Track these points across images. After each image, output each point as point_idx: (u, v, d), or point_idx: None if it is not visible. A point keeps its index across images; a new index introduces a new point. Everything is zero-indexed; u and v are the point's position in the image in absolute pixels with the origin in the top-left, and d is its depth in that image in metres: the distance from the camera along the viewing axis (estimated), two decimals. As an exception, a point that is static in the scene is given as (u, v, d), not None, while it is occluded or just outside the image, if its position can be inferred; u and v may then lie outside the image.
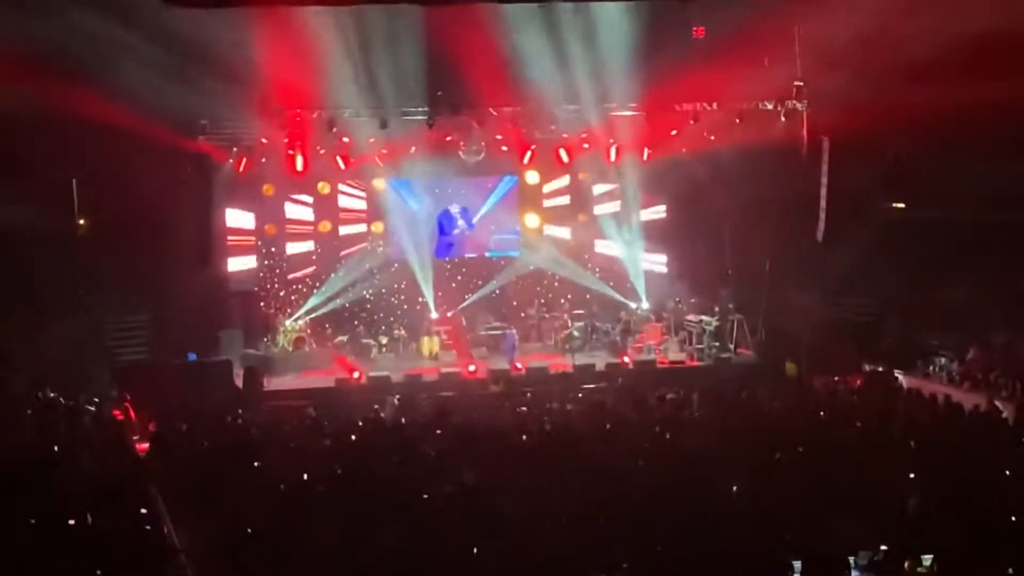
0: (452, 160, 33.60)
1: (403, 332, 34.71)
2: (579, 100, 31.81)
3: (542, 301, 36.52)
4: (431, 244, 35.45)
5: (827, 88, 29.83)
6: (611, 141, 33.37)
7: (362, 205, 35.56)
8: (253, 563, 13.45)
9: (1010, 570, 12.91)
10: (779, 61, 30.55)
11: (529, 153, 33.68)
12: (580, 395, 26.81)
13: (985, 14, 24.60)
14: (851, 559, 13.29)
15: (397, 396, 26.91)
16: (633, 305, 35.47)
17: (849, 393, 25.80)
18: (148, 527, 15.00)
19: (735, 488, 15.84)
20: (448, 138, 33.04)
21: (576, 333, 34.21)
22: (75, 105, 26.35)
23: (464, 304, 35.77)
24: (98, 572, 13.26)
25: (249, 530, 14.38)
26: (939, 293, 29.77)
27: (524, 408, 24.45)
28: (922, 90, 26.07)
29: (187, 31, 26.61)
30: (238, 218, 33.85)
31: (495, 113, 31.98)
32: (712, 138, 33.05)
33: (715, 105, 32.04)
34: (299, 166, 31.59)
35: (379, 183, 34.90)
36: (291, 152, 31.46)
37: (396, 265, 35.34)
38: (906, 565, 13.17)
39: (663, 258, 36.37)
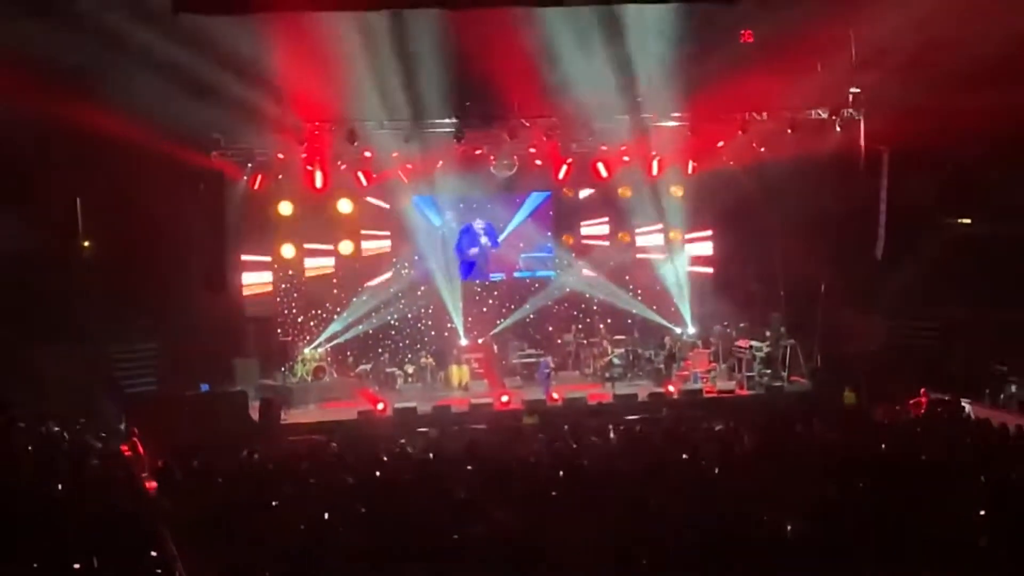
0: (482, 175, 33.65)
1: (431, 360, 34.67)
2: (618, 110, 31.82)
3: (579, 326, 36.44)
4: (458, 265, 35.40)
5: (885, 95, 29.77)
6: (653, 154, 33.37)
7: (386, 224, 35.49)
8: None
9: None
10: (834, 67, 30.49)
11: (565, 167, 33.67)
12: (621, 427, 26.68)
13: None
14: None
15: (428, 429, 26.86)
16: (678, 330, 35.43)
17: (912, 423, 25.63)
18: (158, 571, 15.00)
19: (789, 528, 15.74)
20: (478, 152, 33.07)
21: (616, 360, 34.10)
22: (79, 119, 26.53)
23: (496, 330, 35.75)
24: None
25: (266, 574, 14.37)
26: (1008, 314, 29.63)
27: (560, 442, 24.38)
28: (987, 96, 26.02)
29: (199, 40, 26.70)
30: (254, 238, 33.86)
31: (528, 125, 31.94)
32: (762, 149, 33.01)
33: (765, 114, 32.02)
34: (318, 183, 31.73)
35: (404, 200, 34.81)
36: (310, 168, 31.61)
37: (423, 288, 35.34)
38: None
39: (710, 279, 36.24)
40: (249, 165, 32.20)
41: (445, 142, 32.03)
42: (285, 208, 33.73)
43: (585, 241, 36.72)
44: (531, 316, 36.21)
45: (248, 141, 31.32)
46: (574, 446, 23.33)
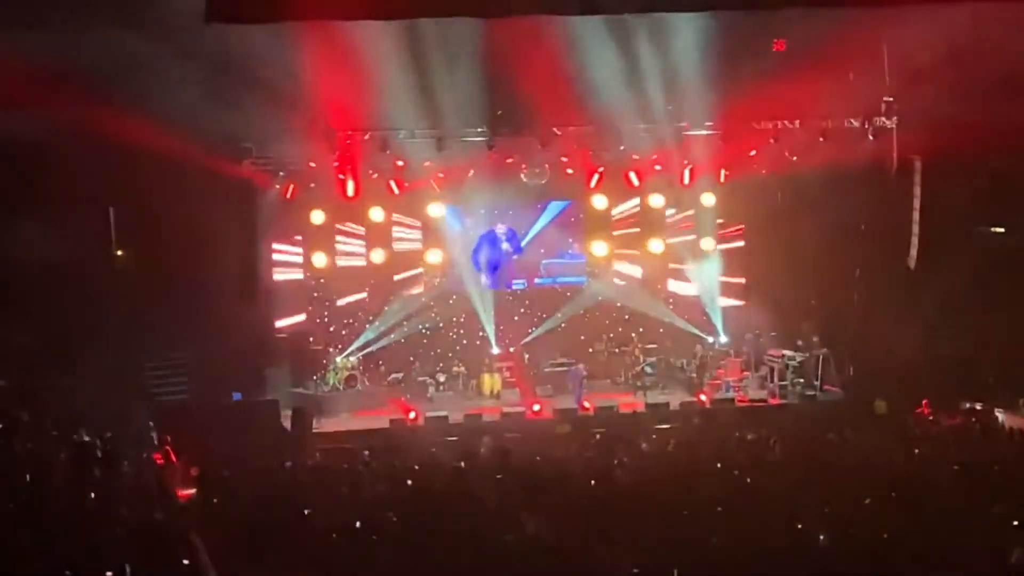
0: (513, 184, 33.60)
1: (462, 369, 34.70)
2: (650, 119, 31.75)
3: (611, 335, 36.38)
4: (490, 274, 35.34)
5: (919, 104, 29.66)
6: (684, 162, 33.32)
7: (417, 233, 35.48)
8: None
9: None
10: (866, 75, 30.41)
11: (596, 176, 33.63)
12: (653, 436, 26.69)
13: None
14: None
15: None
16: (709, 339, 35.35)
17: (945, 434, 25.55)
18: (191, 580, 15.05)
19: (822, 537, 15.72)
20: (509, 160, 33.04)
21: (648, 369, 34.09)
22: (112, 129, 26.58)
23: (527, 338, 35.71)
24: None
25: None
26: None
27: (592, 451, 24.38)
28: (1021, 105, 25.90)
29: (231, 48, 26.76)
30: (286, 248, 33.94)
31: (559, 133, 31.90)
32: (794, 158, 32.88)
33: (797, 123, 31.93)
34: (350, 191, 31.74)
35: (435, 209, 34.79)
36: (341, 176, 31.61)
37: (454, 297, 35.32)
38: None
39: (741, 288, 36.17)
40: (281, 174, 32.26)
41: (477, 151, 32.02)
42: (317, 217, 33.77)
43: (616, 250, 36.58)
44: (562, 325, 36.08)
45: (280, 150, 31.34)
46: (606, 455, 23.34)
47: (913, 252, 31.29)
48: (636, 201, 35.98)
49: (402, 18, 25.25)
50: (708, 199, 34.98)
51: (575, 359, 34.60)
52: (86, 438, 25.07)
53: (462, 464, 22.77)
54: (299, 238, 34.17)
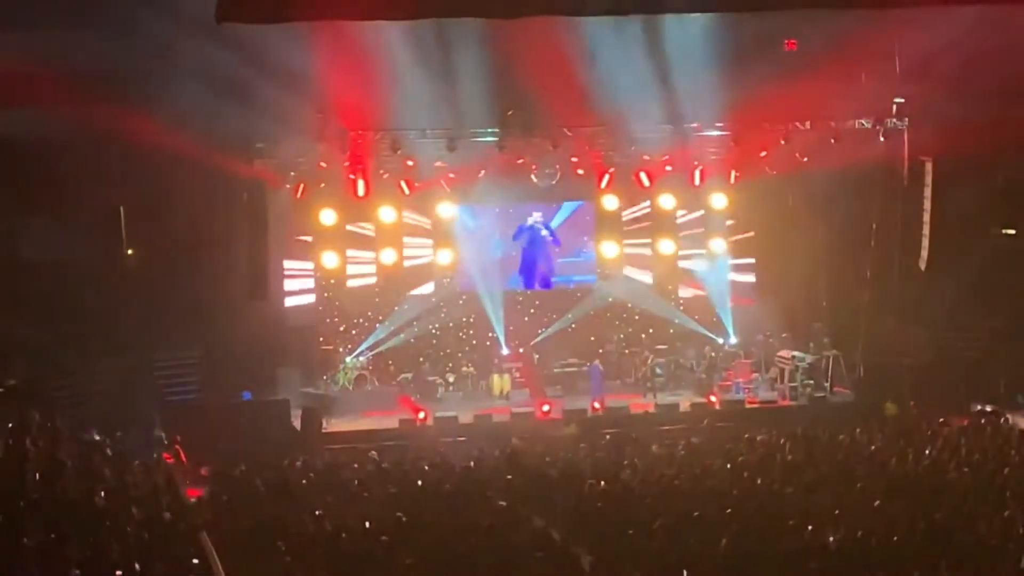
0: (524, 185, 33.47)
1: (472, 369, 34.67)
2: (661, 119, 31.72)
3: (621, 336, 36.33)
4: (502, 274, 35.27)
5: (930, 105, 29.65)
6: (695, 163, 33.27)
7: (428, 233, 35.50)
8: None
9: None
10: (878, 76, 30.38)
11: (607, 177, 33.52)
12: (663, 438, 26.71)
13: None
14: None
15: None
16: (720, 340, 35.33)
17: (956, 436, 25.49)
18: (200, 579, 15.09)
19: (831, 539, 15.72)
20: (520, 161, 32.93)
21: (658, 370, 34.00)
22: (123, 127, 26.67)
23: (537, 339, 35.66)
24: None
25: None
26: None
27: (602, 452, 24.40)
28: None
29: (242, 48, 26.79)
30: (296, 247, 33.97)
31: (570, 134, 31.87)
32: (805, 159, 32.77)
33: (808, 124, 31.86)
34: (360, 191, 31.69)
35: (446, 209, 34.79)
36: (352, 176, 31.57)
37: (464, 297, 35.31)
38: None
39: (752, 289, 36.15)
40: (292, 174, 32.23)
41: (487, 151, 31.97)
42: (327, 217, 33.73)
43: (627, 250, 36.53)
44: (572, 326, 36.01)
45: (291, 150, 31.29)
46: (616, 456, 23.37)
47: (924, 254, 31.19)
48: (647, 202, 35.89)
49: (413, 18, 25.16)
50: (719, 200, 34.93)
51: (587, 359, 34.50)
52: (96, 437, 25.15)
53: (471, 464, 22.82)
54: (310, 238, 34.13)
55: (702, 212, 35.71)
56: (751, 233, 35.93)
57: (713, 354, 34.54)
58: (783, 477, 20.36)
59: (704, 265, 36.03)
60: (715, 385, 33.26)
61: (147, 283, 30.27)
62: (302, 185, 32.48)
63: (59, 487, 19.24)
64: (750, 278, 36.21)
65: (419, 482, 20.95)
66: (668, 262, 36.44)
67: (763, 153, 33.07)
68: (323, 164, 31.97)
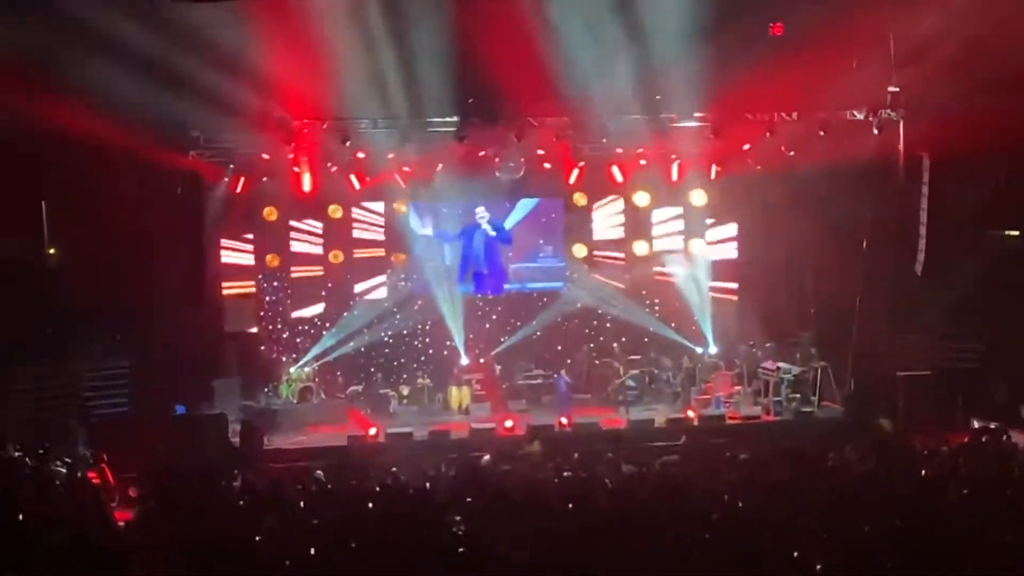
0: (487, 180, 33.53)
1: (428, 381, 34.60)
2: (635, 110, 31.81)
3: (591, 344, 36.40)
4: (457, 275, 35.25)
5: (928, 95, 29.78)
6: (673, 157, 33.45)
7: (380, 232, 35.44)
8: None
9: None
10: (871, 64, 30.48)
11: (576, 171, 33.64)
12: (637, 456, 26.72)
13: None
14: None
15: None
16: (699, 350, 35.33)
17: (954, 455, 25.60)
18: (129, 610, 15.01)
19: (819, 567, 15.76)
20: (481, 153, 33.00)
21: (631, 383, 34.04)
22: (44, 115, 26.51)
23: (500, 348, 35.69)
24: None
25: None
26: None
27: (570, 472, 24.40)
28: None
29: (175, 28, 26.73)
30: (235, 247, 33.89)
31: (536, 124, 31.94)
32: (791, 153, 32.88)
33: (795, 115, 31.99)
34: (306, 186, 31.69)
35: (400, 206, 34.78)
36: (297, 170, 31.56)
37: (420, 302, 35.29)
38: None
39: (734, 295, 36.26)
40: (231, 166, 32.16)
41: (446, 143, 32.00)
42: (270, 214, 33.71)
43: (598, 252, 36.59)
44: (538, 333, 36.05)
45: (230, 140, 31.22)
46: (585, 476, 23.37)
47: (920, 256, 31.39)
48: (620, 199, 35.96)
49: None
50: (698, 197, 35.08)
51: (554, 370, 34.51)
52: (15, 453, 25.01)
53: (427, 485, 22.78)
54: (251, 237, 34.05)
55: (680, 210, 35.82)
56: (733, 233, 36.06)
57: (691, 365, 34.48)
58: (767, 499, 20.40)
59: (682, 268, 36.11)
60: (693, 399, 33.24)
61: (72, 285, 30.08)
62: (242, 179, 32.41)
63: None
64: (732, 283, 36.31)
65: (369, 504, 20.91)
66: (643, 264, 36.56)
67: (746, 146, 33.19)
68: (265, 156, 31.91)
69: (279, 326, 35.05)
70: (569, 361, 35.62)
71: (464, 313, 34.85)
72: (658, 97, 31.57)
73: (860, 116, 31.72)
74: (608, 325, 36.69)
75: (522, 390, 34.68)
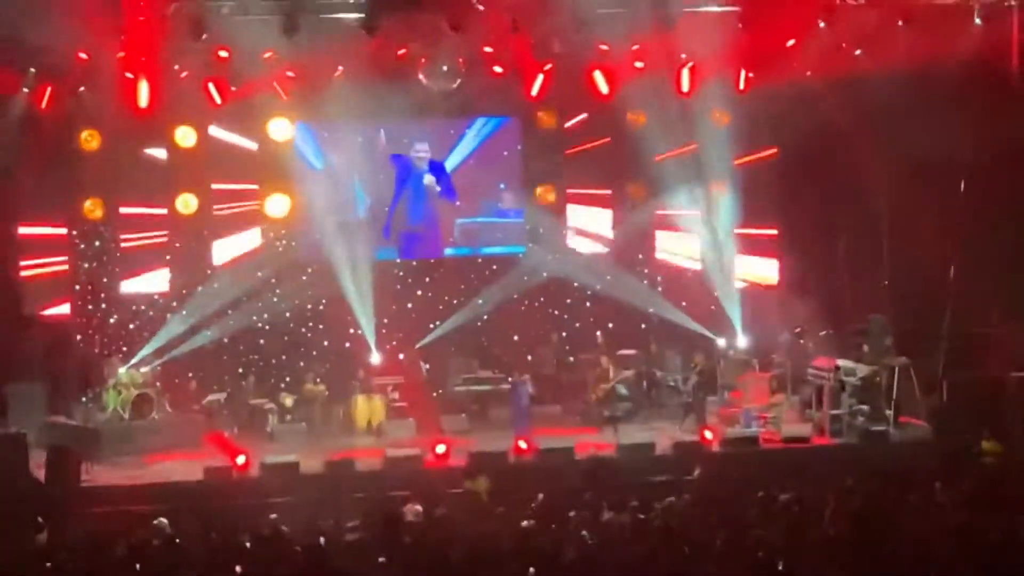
0: (408, 88, 33.53)
1: (322, 387, 34.65)
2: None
3: (564, 333, 36.49)
4: (371, 236, 35.22)
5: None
6: (683, 58, 33.41)
7: (252, 167, 35.39)
8: None
9: None
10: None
11: (541, 77, 33.61)
12: (628, 497, 26.81)
13: None
14: None
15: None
16: (721, 341, 35.52)
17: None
18: None
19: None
20: (400, 51, 32.97)
21: (622, 390, 34.12)
22: None
23: (429, 337, 35.77)
24: None
25: None
26: None
27: (532, 521, 24.49)
28: None
29: None
30: (39, 190, 33.73)
31: (481, 8, 31.90)
32: (857, 52, 33.00)
33: (861, -3, 32.14)
34: (143, 100, 31.57)
35: (281, 129, 34.71)
36: (129, 76, 31.45)
37: (310, 270, 35.39)
38: None
39: (772, 262, 36.34)
40: (32, 71, 32.08)
41: (348, 37, 31.95)
42: (89, 140, 33.58)
43: (574, 198, 36.62)
44: (486, 316, 36.16)
45: (30, 33, 31.08)
46: (553, 527, 23.47)
47: (1043, 205, 31.58)
48: (605, 119, 35.95)
49: None
50: (720, 117, 35.09)
51: (508, 371, 34.54)
52: None
53: (321, 541, 22.85)
54: (61, 174, 33.93)
55: (694, 136, 35.81)
56: (772, 172, 36.07)
57: (709, 364, 34.56)
58: (819, 559, 20.53)
59: (696, 223, 36.17)
60: (712, 413, 33.43)
61: None
62: (49, 89, 32.33)
63: None
64: (768, 248, 36.38)
65: (237, 568, 20.97)
66: (639, 216, 36.57)
67: (790, 42, 33.19)
68: (83, 55, 31.78)
69: (102, 305, 35.00)
70: (531, 358, 35.75)
71: (376, 287, 34.82)
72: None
73: (957, -1, 31.91)
74: (588, 305, 36.81)
75: (462, 400, 34.78)
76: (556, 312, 36.62)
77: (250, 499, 27.88)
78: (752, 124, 35.21)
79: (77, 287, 34.71)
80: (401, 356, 34.99)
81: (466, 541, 22.34)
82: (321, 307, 35.49)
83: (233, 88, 32.93)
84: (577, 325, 36.57)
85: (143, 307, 34.98)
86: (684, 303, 36.11)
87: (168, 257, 35.17)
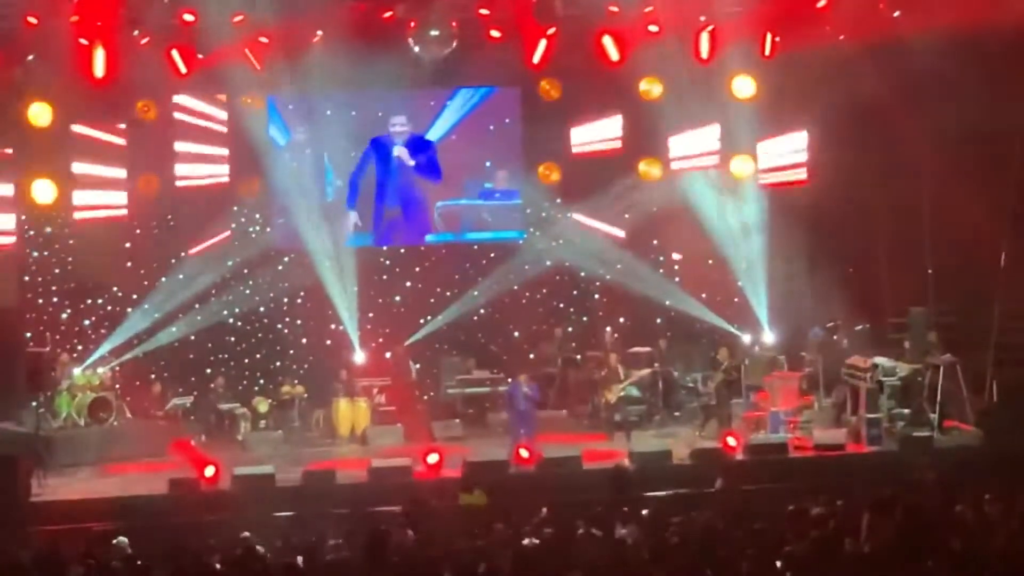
0: (395, 57, 33.55)
1: (300, 390, 34.75)
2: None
3: (570, 328, 36.53)
4: (344, 216, 35.26)
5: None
6: (702, 20, 33.41)
7: (220, 146, 35.41)
8: None
9: None
10: None
11: (543, 43, 33.63)
12: (644, 512, 26.86)
13: None
14: None
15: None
16: (746, 337, 35.56)
17: None
18: None
19: None
20: (387, 14, 32.98)
21: (634, 392, 34.17)
22: None
23: (418, 334, 35.79)
24: None
25: None
26: None
27: (535, 539, 24.55)
28: None
29: None
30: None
31: (477, -35, 32.06)
32: (896, 14, 33.00)
33: (904, -50, 32.15)
34: (99, 70, 31.60)
35: (253, 102, 34.73)
36: (84, 42, 31.48)
37: (287, 259, 35.42)
38: None
39: (801, 245, 36.35)
40: (-27, 36, 32.20)
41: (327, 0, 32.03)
42: (41, 114, 33.59)
43: (581, 176, 36.65)
44: (482, 311, 36.21)
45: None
46: (558, 545, 23.53)
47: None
48: (615, 90, 35.98)
49: None
50: (745, 87, 35.07)
51: (508, 371, 34.56)
52: None
53: (299, 562, 22.90)
54: (9, 152, 33.97)
55: (715, 109, 35.83)
56: (802, 146, 36.07)
57: (733, 362, 34.55)
58: (855, 579, 20.59)
59: (717, 205, 36.19)
60: (736, 417, 33.47)
61: None
62: (-5, 56, 32.43)
63: None
64: (798, 231, 36.40)
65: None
66: (655, 195, 36.58)
67: (821, 2, 33.20)
68: (32, 20, 31.81)
69: (54, 299, 35.02)
70: (532, 356, 35.77)
71: (360, 278, 34.84)
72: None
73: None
74: (597, 298, 36.86)
75: (456, 404, 34.81)
76: (561, 305, 36.70)
77: (220, 515, 27.89)
78: (780, 96, 35.12)
79: (25, 277, 34.67)
80: (388, 355, 35.04)
81: (460, 561, 22.44)
82: (298, 300, 35.54)
83: (200, 55, 32.94)
84: (584, 319, 36.68)
85: (100, 300, 34.95)
86: (704, 294, 36.08)
87: (127, 245, 35.12)
